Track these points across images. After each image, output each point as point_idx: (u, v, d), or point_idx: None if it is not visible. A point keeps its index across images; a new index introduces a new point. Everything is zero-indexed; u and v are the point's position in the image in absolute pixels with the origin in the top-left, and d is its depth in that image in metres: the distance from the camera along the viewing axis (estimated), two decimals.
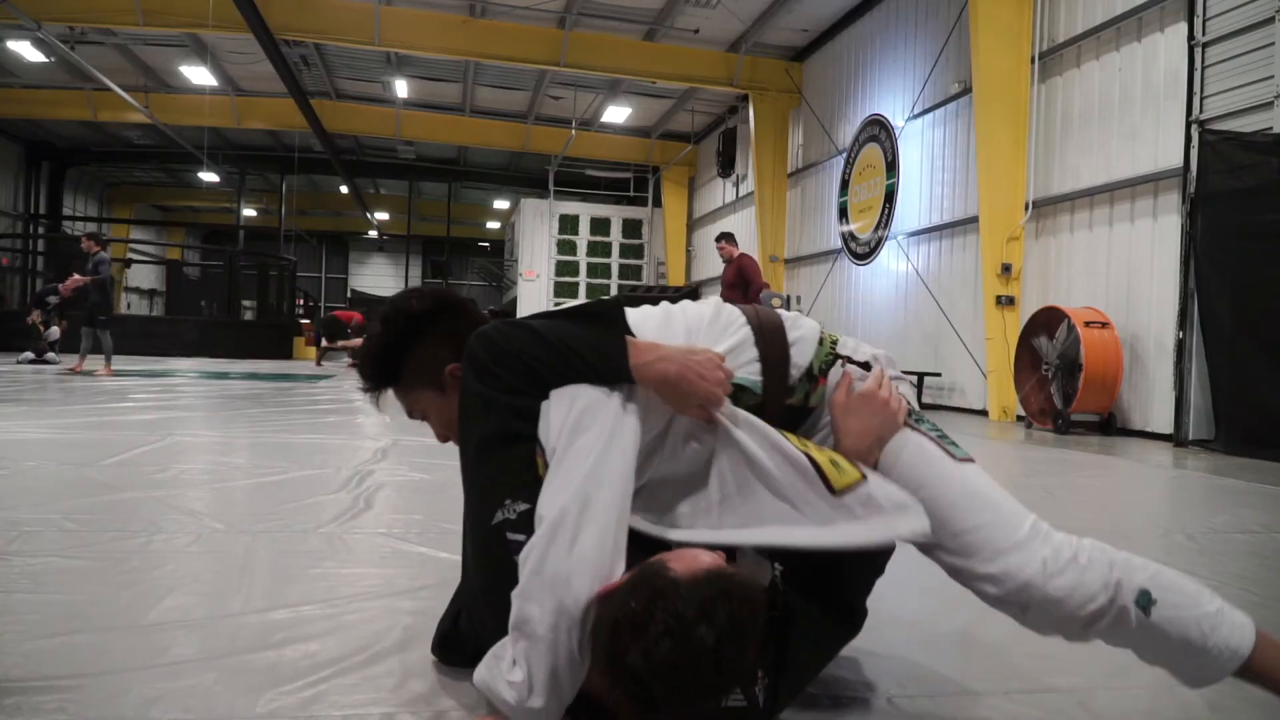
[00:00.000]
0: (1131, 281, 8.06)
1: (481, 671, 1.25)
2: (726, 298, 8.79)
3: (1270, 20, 6.71)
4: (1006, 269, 9.30)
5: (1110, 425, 7.90)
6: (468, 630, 1.52)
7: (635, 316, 1.49)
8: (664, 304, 1.57)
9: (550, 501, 1.23)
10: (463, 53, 14.56)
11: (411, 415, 1.60)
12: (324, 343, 16.37)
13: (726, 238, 8.98)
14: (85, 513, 2.85)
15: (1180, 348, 7.25)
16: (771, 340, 1.48)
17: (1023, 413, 8.76)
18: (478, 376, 1.33)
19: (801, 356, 1.49)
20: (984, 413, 9.67)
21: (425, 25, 14.06)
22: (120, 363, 13.20)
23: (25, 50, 15.44)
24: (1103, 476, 5.15)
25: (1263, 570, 2.81)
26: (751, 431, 1.36)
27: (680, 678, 1.04)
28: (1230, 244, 6.81)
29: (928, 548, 1.41)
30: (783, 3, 13.20)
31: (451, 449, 1.63)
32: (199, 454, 4.37)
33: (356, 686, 1.54)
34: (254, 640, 1.76)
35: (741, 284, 8.69)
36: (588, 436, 1.27)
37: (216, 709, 1.43)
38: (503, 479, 1.30)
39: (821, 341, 1.53)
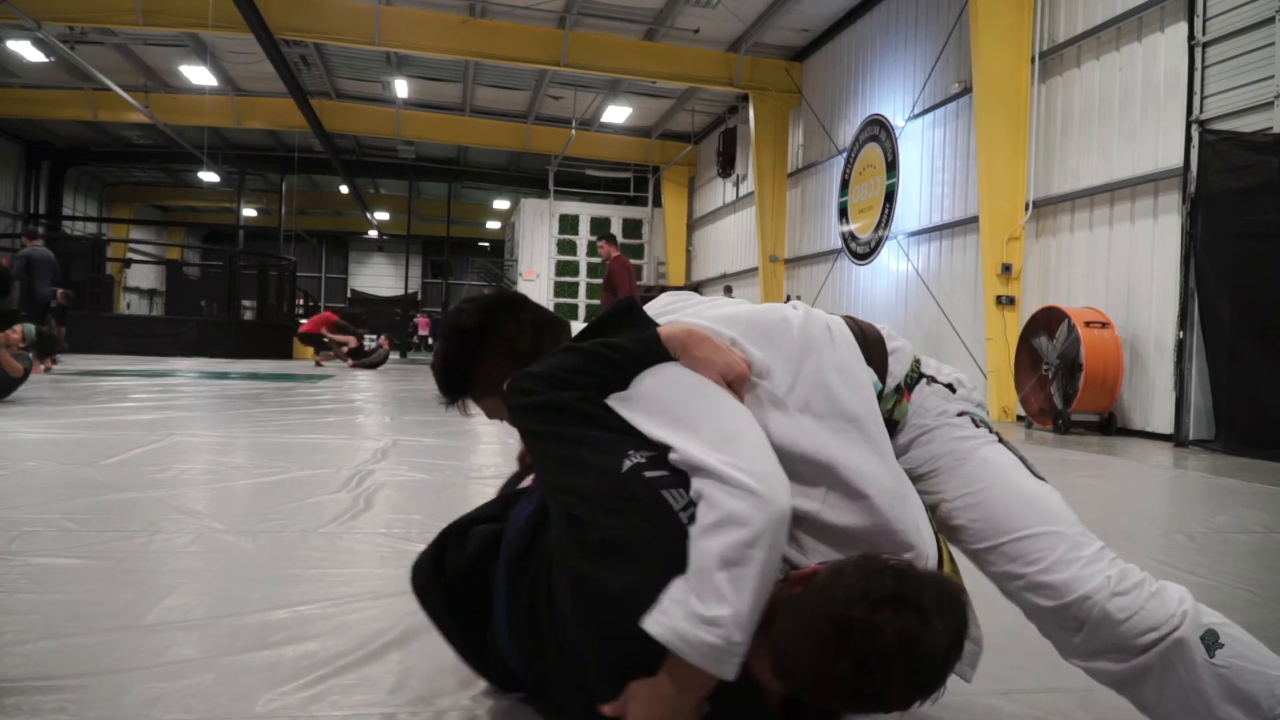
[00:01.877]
0: (1131, 281, 8.06)
1: (663, 622, 1.11)
2: (605, 300, 8.83)
3: (1270, 20, 6.71)
4: (1007, 269, 9.31)
5: (1110, 425, 7.90)
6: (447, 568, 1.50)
7: (664, 303, 1.53)
8: (736, 299, 1.57)
9: (692, 438, 1.20)
10: (463, 53, 14.56)
11: (491, 418, 1.60)
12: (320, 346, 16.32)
13: (606, 238, 9.09)
14: (85, 513, 2.85)
15: (1180, 348, 7.25)
16: (874, 347, 1.47)
17: (1023, 413, 8.76)
18: (528, 413, 1.32)
19: (899, 366, 1.47)
20: None
21: (425, 25, 14.07)
22: (120, 362, 13.19)
23: (25, 50, 15.43)
24: (1103, 476, 5.15)
25: (1263, 570, 2.81)
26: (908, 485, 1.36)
27: (920, 666, 1.04)
28: (1230, 244, 6.81)
29: (977, 553, 1.37)
30: (783, 3, 13.20)
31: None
32: (199, 454, 4.37)
33: (356, 686, 1.55)
34: (254, 640, 1.76)
35: (610, 286, 8.85)
36: (695, 390, 1.28)
37: (216, 709, 1.43)
38: (610, 439, 1.26)
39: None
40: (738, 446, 1.19)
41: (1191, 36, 7.35)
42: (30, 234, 11.63)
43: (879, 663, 1.03)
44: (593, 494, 1.22)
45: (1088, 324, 7.73)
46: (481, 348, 1.54)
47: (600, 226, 21.91)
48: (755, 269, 16.55)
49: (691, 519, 1.17)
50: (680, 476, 1.21)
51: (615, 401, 1.30)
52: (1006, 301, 9.32)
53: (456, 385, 1.57)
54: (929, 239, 11.36)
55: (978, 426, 1.44)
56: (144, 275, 29.65)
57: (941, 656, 1.05)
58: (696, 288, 19.94)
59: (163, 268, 28.22)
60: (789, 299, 15.55)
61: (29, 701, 1.42)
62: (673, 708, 1.14)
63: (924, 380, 1.47)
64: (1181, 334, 7.24)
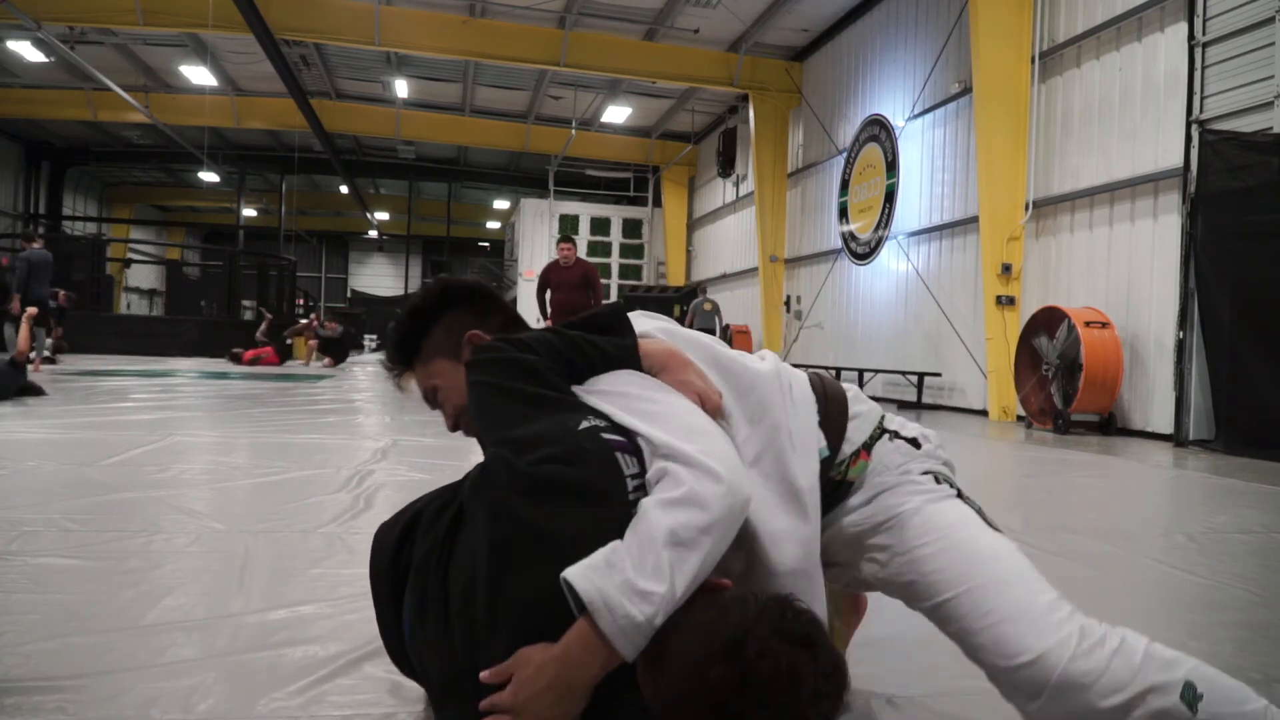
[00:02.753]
0: (1131, 281, 8.06)
1: (592, 580, 1.03)
2: (570, 300, 8.83)
3: (1270, 20, 6.71)
4: (1007, 269, 9.31)
5: (1110, 425, 7.90)
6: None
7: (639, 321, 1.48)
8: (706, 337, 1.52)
9: (659, 426, 1.18)
10: (463, 53, 14.57)
11: (427, 398, 1.55)
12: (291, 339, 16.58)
13: (568, 240, 9.19)
14: (85, 513, 2.85)
15: (1180, 348, 7.25)
16: (835, 410, 1.42)
17: (1023, 413, 8.76)
18: (488, 366, 1.28)
19: (858, 433, 1.42)
20: (984, 413, 9.67)
21: (425, 25, 14.08)
22: (120, 362, 13.19)
23: (25, 50, 15.45)
24: (1103, 476, 5.15)
25: (1263, 570, 2.81)
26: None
27: (793, 710, 1.00)
28: (1230, 244, 6.81)
29: (931, 611, 1.32)
30: (783, 3, 13.20)
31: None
32: (199, 454, 4.37)
33: (356, 686, 1.54)
34: (254, 640, 1.76)
35: (587, 287, 8.94)
36: (662, 390, 1.29)
37: (216, 709, 1.43)
38: (570, 401, 1.24)
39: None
40: (706, 438, 1.18)
41: (1191, 36, 7.35)
42: (28, 236, 11.65)
43: (759, 685, 0.98)
44: (542, 440, 1.16)
45: (1088, 324, 7.73)
46: (454, 306, 1.53)
47: (600, 226, 21.93)
48: (755, 269, 16.55)
49: (635, 490, 1.14)
50: (635, 446, 1.18)
51: (579, 391, 1.29)
52: (1006, 301, 9.32)
53: (412, 337, 1.52)
54: (929, 239, 11.35)
55: (939, 483, 1.39)
56: (144, 275, 29.66)
57: (812, 714, 1.00)
58: (696, 289, 19.96)
59: (163, 268, 28.24)
60: (788, 300, 15.55)
61: (29, 701, 1.42)
62: (564, 682, 1.03)
63: (886, 436, 1.43)
64: (1181, 334, 7.24)
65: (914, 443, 1.42)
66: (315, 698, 1.49)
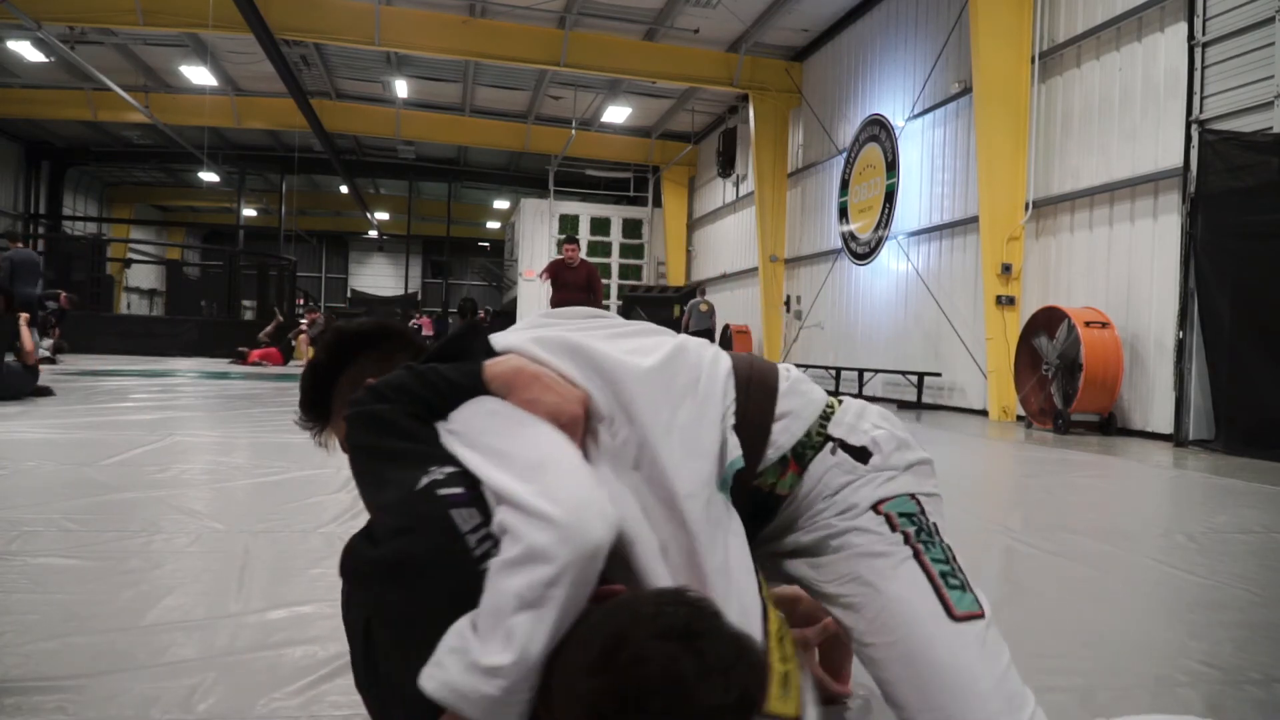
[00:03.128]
0: (1131, 281, 8.06)
1: (437, 677, 0.99)
2: (571, 300, 8.80)
3: (1270, 20, 6.71)
4: (1006, 269, 9.31)
5: (1110, 425, 7.90)
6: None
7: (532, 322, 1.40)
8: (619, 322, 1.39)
9: (502, 468, 1.09)
10: (463, 53, 14.57)
11: (346, 449, 1.42)
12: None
13: (573, 241, 9.27)
14: (85, 513, 2.85)
15: (1180, 348, 7.25)
16: (755, 407, 1.24)
17: (1023, 413, 8.76)
18: (349, 424, 1.23)
19: (786, 435, 1.24)
20: (984, 413, 9.67)
21: (425, 25, 14.08)
22: (120, 362, 13.19)
23: (25, 50, 15.46)
24: (1103, 476, 5.15)
25: (1263, 570, 2.81)
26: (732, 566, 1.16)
27: (682, 715, 0.90)
28: (1230, 244, 6.81)
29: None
30: (783, 3, 13.20)
31: None
32: (199, 454, 4.37)
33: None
34: (254, 640, 1.76)
35: (590, 288, 9.00)
36: (511, 420, 1.20)
37: (216, 709, 1.43)
38: (417, 451, 1.17)
39: (822, 415, 1.28)
40: (546, 474, 1.08)
41: (1191, 36, 7.35)
42: (13, 236, 11.64)
43: (635, 695, 0.89)
44: (388, 509, 1.14)
45: (1088, 324, 7.73)
46: (357, 356, 1.47)
47: (600, 226, 21.93)
48: (755, 269, 16.55)
49: (481, 542, 1.07)
50: (476, 496, 1.12)
51: (443, 434, 1.21)
52: (1006, 301, 9.32)
53: (319, 396, 1.47)
54: (929, 239, 11.35)
55: (894, 530, 1.20)
56: (144, 275, 29.66)
57: (711, 712, 0.90)
58: (695, 289, 19.99)
59: (163, 268, 28.24)
60: (788, 300, 15.55)
61: (29, 701, 1.42)
62: None
63: (829, 447, 1.24)
64: (1181, 334, 7.24)
65: (862, 454, 1.23)
66: (315, 698, 1.49)
